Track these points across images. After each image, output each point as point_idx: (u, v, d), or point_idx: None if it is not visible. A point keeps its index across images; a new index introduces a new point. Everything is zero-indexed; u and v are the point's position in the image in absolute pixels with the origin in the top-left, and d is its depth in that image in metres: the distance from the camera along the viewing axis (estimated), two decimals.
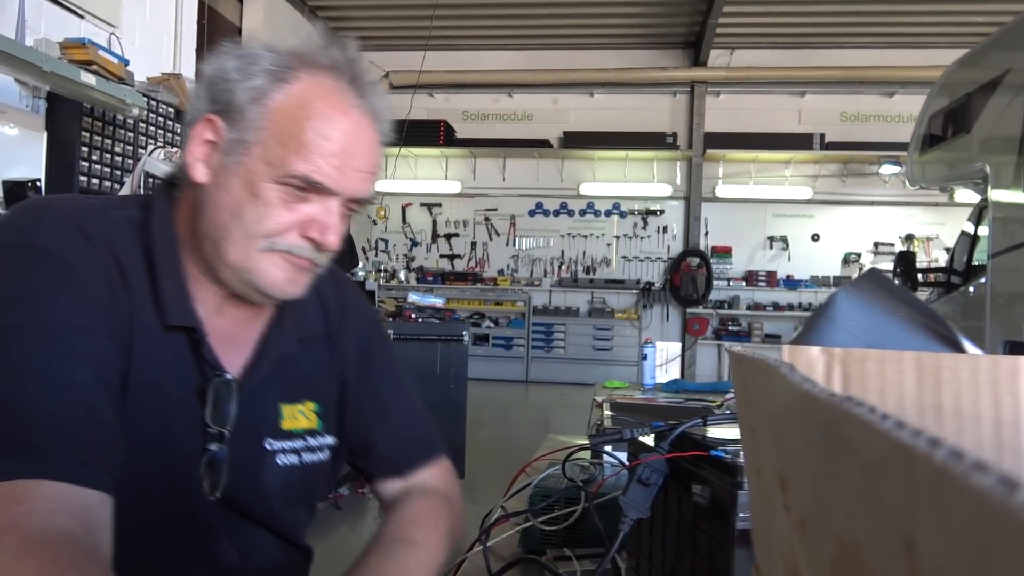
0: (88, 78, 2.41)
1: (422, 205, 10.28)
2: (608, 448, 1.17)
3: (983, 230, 5.86)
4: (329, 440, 0.99)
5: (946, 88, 6.09)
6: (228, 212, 0.84)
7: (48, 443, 0.70)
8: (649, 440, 0.89)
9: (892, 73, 8.90)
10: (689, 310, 9.78)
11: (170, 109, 3.26)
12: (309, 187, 0.83)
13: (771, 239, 9.89)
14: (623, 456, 1.16)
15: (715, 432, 0.87)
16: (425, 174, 10.12)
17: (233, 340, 0.91)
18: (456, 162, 10.13)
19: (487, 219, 10.23)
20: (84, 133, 2.73)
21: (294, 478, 0.94)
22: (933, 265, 8.04)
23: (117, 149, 3.00)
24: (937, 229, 9.61)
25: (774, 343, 9.77)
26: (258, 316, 0.95)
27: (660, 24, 8.78)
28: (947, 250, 9.33)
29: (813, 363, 0.42)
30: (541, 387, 9.55)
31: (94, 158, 2.84)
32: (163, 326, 0.85)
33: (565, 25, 8.89)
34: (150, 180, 2.66)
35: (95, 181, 2.89)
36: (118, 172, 2.98)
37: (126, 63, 2.71)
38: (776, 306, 9.77)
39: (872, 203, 9.67)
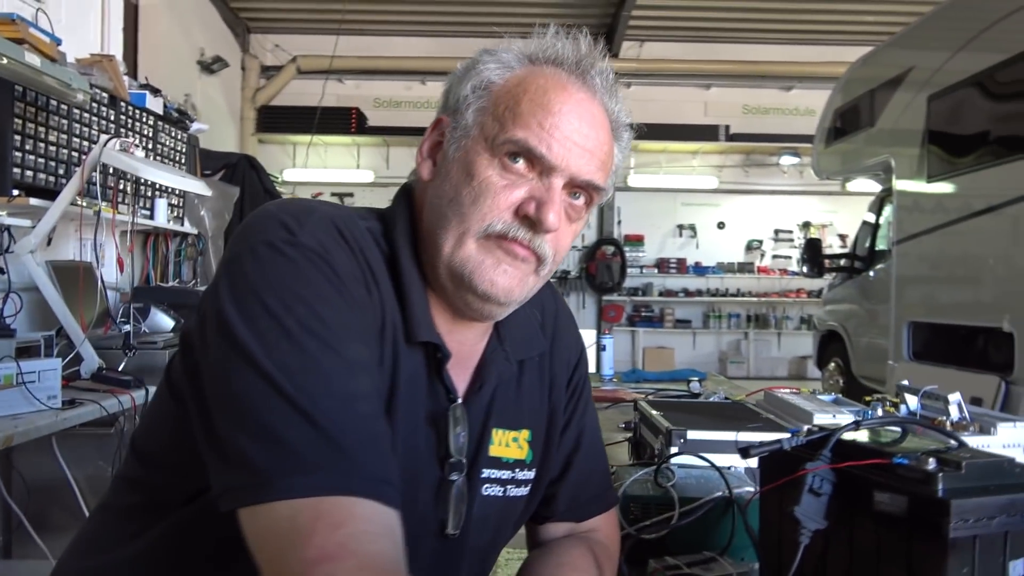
0: (32, 58, 2.16)
1: (333, 195, 9.95)
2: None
3: (884, 219, 6.28)
4: (532, 474, 0.91)
5: (851, 84, 6.43)
6: (447, 199, 0.80)
7: (358, 458, 0.64)
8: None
9: (790, 68, 9.34)
10: (604, 298, 9.97)
11: (104, 95, 2.98)
12: (526, 157, 0.78)
13: (680, 227, 10.24)
14: (722, 459, 1.14)
15: (862, 436, 0.86)
16: (336, 163, 9.81)
17: (458, 362, 0.84)
18: (368, 150, 9.88)
19: None
20: (16, 120, 2.45)
21: (493, 511, 0.87)
22: (829, 251, 8.52)
23: (51, 138, 2.70)
24: (831, 216, 10.21)
25: (685, 328, 10.15)
26: (481, 337, 0.88)
27: (574, 14, 8.84)
28: (841, 236, 9.97)
29: None
30: None
31: (27, 147, 2.55)
32: (406, 341, 0.78)
33: (479, 12, 8.81)
34: (107, 172, 2.42)
35: (29, 173, 2.60)
36: (53, 163, 2.70)
37: (58, 42, 2.44)
38: (686, 292, 10.12)
39: (772, 192, 10.15)
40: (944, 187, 4.97)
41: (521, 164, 0.78)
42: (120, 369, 2.53)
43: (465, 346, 0.86)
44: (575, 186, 0.81)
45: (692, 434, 1.26)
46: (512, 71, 0.82)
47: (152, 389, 2.45)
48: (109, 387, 2.40)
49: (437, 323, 0.82)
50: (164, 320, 2.99)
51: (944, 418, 1.27)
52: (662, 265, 10.12)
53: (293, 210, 0.75)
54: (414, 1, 8.56)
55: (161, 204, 3.60)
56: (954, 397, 1.26)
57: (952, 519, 0.69)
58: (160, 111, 3.68)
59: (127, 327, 2.65)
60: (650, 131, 9.67)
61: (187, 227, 4.00)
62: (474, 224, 0.78)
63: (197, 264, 4.14)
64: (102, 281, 2.64)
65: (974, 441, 1.15)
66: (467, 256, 0.78)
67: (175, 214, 3.90)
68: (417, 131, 9.56)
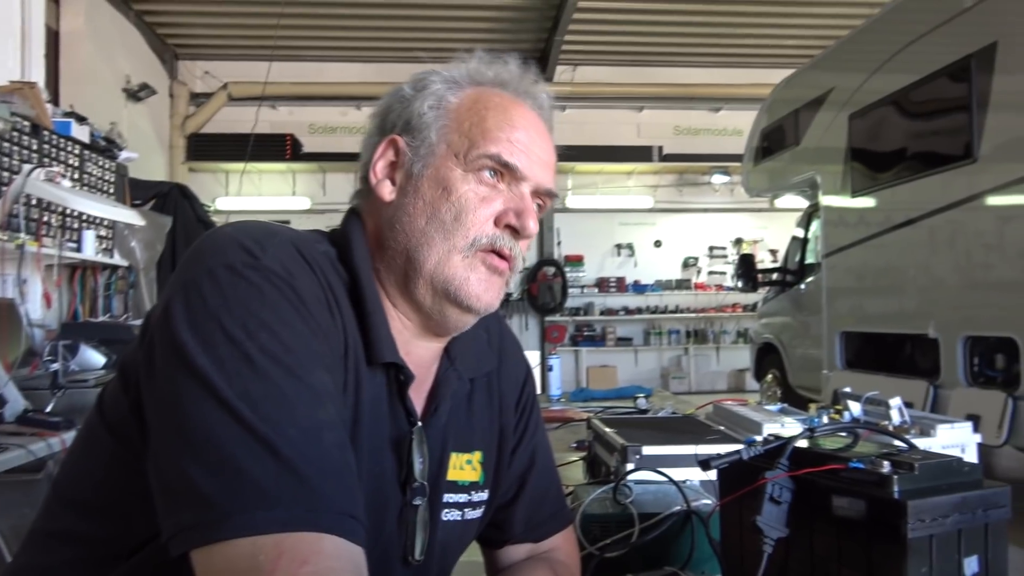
0: None
1: None
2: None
3: (812, 233, 6.51)
4: (485, 496, 0.90)
5: (775, 105, 6.68)
6: (424, 216, 0.80)
7: (323, 491, 0.61)
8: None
9: (718, 90, 9.66)
10: (547, 319, 10.03)
11: (25, 123, 2.86)
12: (500, 170, 0.82)
13: (619, 246, 10.42)
14: (677, 473, 1.15)
15: (815, 443, 0.88)
16: (271, 190, 9.65)
17: (415, 384, 0.82)
18: (304, 177, 9.75)
19: None
20: None
21: (453, 536, 0.85)
22: (761, 266, 8.78)
23: None
24: (762, 232, 10.54)
25: (627, 345, 10.28)
26: (435, 359, 0.87)
27: (507, 39, 8.96)
28: (772, 251, 10.29)
29: None
30: None
31: None
32: (368, 363, 0.76)
33: (414, 39, 8.83)
34: (30, 203, 2.31)
35: None
36: None
37: None
38: (627, 310, 10.27)
39: (705, 210, 10.43)
40: (867, 201, 5.19)
41: (494, 177, 0.82)
42: (48, 410, 2.41)
43: (421, 368, 0.85)
44: (537, 195, 0.85)
45: (647, 449, 1.26)
46: (463, 89, 0.84)
47: None
48: (36, 429, 2.28)
49: (397, 345, 0.81)
50: (95, 357, 2.87)
51: (886, 422, 1.31)
52: (602, 284, 10.25)
53: (253, 233, 0.73)
54: (348, 27, 8.54)
55: (89, 236, 3.46)
56: (895, 401, 1.31)
57: (909, 520, 0.71)
58: (87, 139, 3.56)
59: (55, 366, 2.53)
60: (586, 153, 9.88)
61: (117, 259, 3.86)
62: (460, 240, 0.80)
63: (128, 297, 3.99)
64: (28, 318, 2.52)
65: (916, 444, 1.19)
66: (453, 273, 0.80)
67: (104, 246, 3.76)
68: (354, 156, 9.38)
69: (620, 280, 10.29)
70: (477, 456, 0.89)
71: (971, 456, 1.29)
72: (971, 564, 0.74)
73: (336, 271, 0.78)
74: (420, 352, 0.85)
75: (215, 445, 0.61)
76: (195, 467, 0.60)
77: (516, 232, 0.82)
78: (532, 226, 0.82)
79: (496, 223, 0.81)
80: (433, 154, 0.81)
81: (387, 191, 0.83)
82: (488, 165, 0.81)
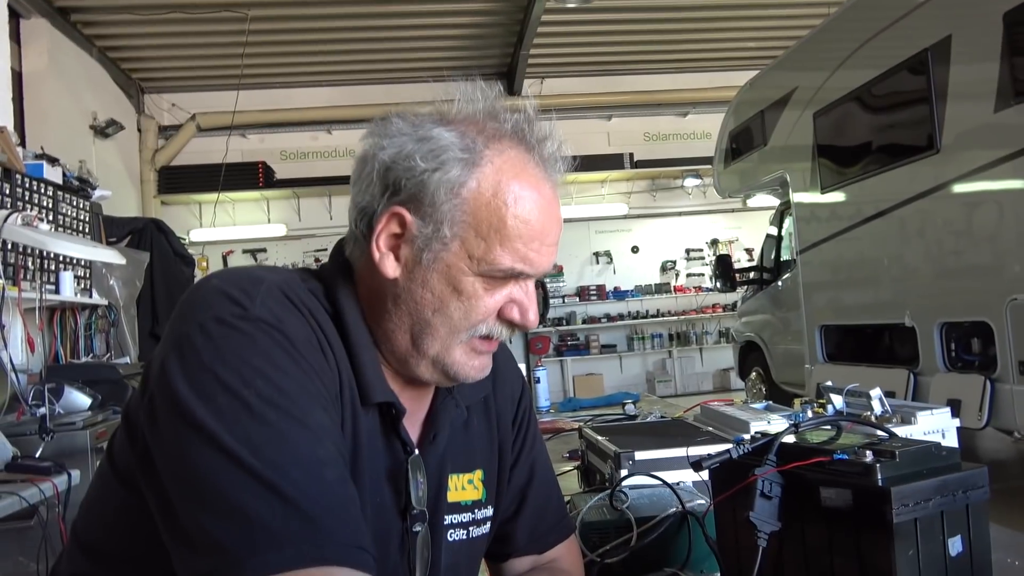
0: None
1: (245, 252, 9.73)
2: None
3: (786, 230, 6.61)
4: (490, 512, 0.92)
5: (741, 106, 6.79)
6: (431, 309, 0.79)
7: (330, 526, 0.63)
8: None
9: (684, 95, 9.79)
10: (530, 331, 10.04)
11: None
12: (512, 276, 0.80)
13: (596, 254, 10.48)
14: (670, 476, 1.18)
15: (800, 438, 0.92)
16: (245, 219, 9.60)
17: (409, 414, 0.85)
18: (279, 204, 9.72)
19: (317, 260, 9.87)
20: None
21: (462, 556, 0.88)
22: (738, 265, 8.88)
23: None
24: (737, 232, 10.66)
25: (611, 352, 10.33)
26: (430, 389, 0.89)
27: (474, 56, 9.03)
28: (747, 250, 10.41)
29: None
30: None
31: None
32: (361, 402, 0.78)
33: (381, 60, 8.88)
34: (7, 248, 2.29)
35: None
36: None
37: None
38: (609, 317, 10.33)
39: (680, 213, 10.54)
40: (837, 196, 5.29)
41: (505, 277, 0.81)
42: (38, 455, 2.39)
43: (415, 399, 0.88)
44: None
45: (640, 454, 1.29)
46: (480, 166, 0.78)
47: (76, 473, 2.32)
48: (27, 476, 2.26)
49: (388, 379, 0.83)
50: (80, 398, 2.85)
51: (868, 413, 1.35)
52: (583, 293, 10.30)
53: (239, 282, 0.74)
54: (314, 52, 8.56)
55: (67, 277, 3.44)
56: (875, 392, 1.35)
57: (894, 505, 0.74)
58: (59, 180, 3.55)
59: (42, 410, 2.51)
60: None
61: (96, 298, 3.84)
62: (463, 332, 0.81)
63: (110, 336, 3.96)
64: (11, 364, 2.50)
65: (898, 431, 1.23)
66: (454, 359, 0.82)
67: (82, 286, 3.74)
68: (327, 181, 9.48)
69: (600, 288, 10.35)
70: (478, 475, 0.92)
71: (951, 441, 1.33)
72: (955, 544, 0.78)
73: (324, 307, 0.80)
74: (411, 391, 0.87)
75: (222, 493, 0.63)
76: (205, 516, 0.63)
77: (516, 325, 0.83)
78: (533, 319, 0.83)
79: (499, 315, 0.82)
80: (446, 248, 0.78)
81: (391, 268, 0.80)
82: (502, 276, 0.80)
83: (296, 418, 0.67)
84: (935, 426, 1.34)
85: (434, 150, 0.78)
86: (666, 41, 9.01)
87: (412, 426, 0.87)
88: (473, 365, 0.83)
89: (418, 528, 0.83)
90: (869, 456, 0.79)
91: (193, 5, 7.17)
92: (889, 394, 1.42)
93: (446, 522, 0.87)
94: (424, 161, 0.78)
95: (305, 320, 0.75)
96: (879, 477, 0.76)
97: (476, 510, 0.91)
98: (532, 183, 0.80)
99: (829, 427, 0.97)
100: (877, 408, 1.36)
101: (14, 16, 6.01)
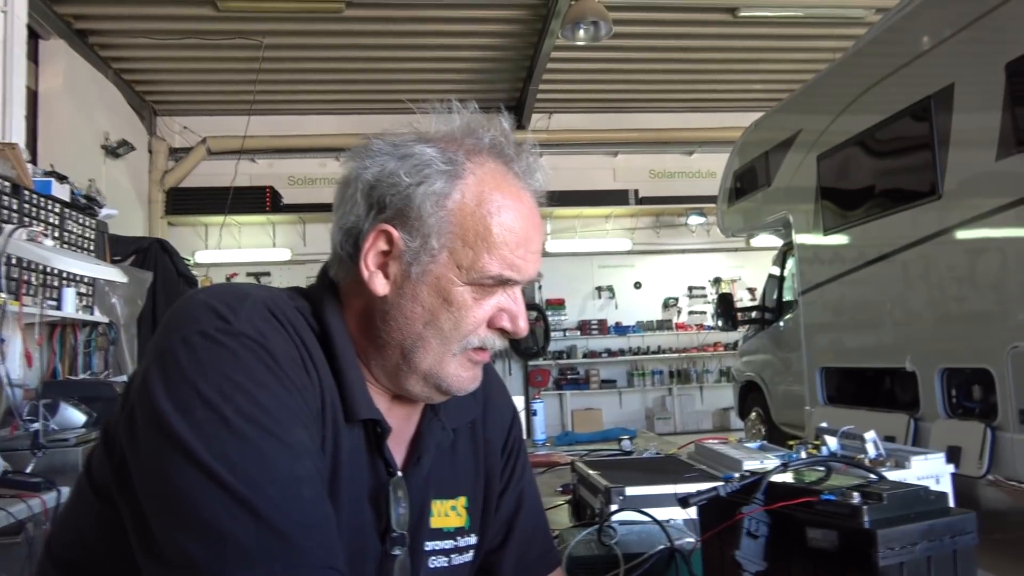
0: None
1: (249, 275, 9.75)
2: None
3: (788, 271, 6.62)
4: (473, 540, 0.91)
5: (746, 147, 6.85)
6: (422, 322, 0.80)
7: (304, 546, 0.63)
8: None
9: (691, 135, 9.89)
10: (530, 363, 10.02)
11: (6, 184, 2.87)
12: (500, 283, 0.82)
13: (599, 289, 10.50)
14: (660, 513, 1.17)
15: (790, 478, 0.91)
16: (251, 242, 9.66)
17: (395, 435, 0.85)
18: (284, 228, 9.78)
19: None
20: None
21: None
22: (740, 304, 8.88)
23: None
24: (739, 271, 10.68)
25: (611, 388, 10.28)
26: (416, 410, 0.89)
27: (484, 90, 9.15)
28: (750, 290, 10.42)
29: None
30: None
31: None
32: (345, 420, 0.78)
33: (391, 91, 8.99)
34: (11, 263, 2.30)
35: None
36: None
37: None
38: (609, 352, 10.30)
39: (683, 251, 10.57)
40: (840, 239, 5.31)
41: (493, 285, 0.83)
42: (29, 471, 2.38)
43: (402, 419, 0.88)
44: None
45: (631, 490, 1.28)
46: (462, 178, 0.80)
47: (65, 490, 2.31)
48: (16, 491, 2.24)
49: (374, 398, 0.83)
50: (75, 415, 2.84)
51: (863, 455, 1.34)
52: (584, 327, 10.29)
53: (225, 297, 0.75)
54: (325, 81, 8.68)
55: (69, 293, 3.45)
56: (870, 435, 1.34)
57: (880, 548, 0.73)
58: (67, 198, 3.57)
59: (35, 425, 2.50)
60: (564, 198, 9.95)
61: (97, 316, 3.84)
62: (455, 344, 0.82)
63: (109, 354, 3.96)
64: (8, 378, 2.50)
65: (891, 475, 1.22)
66: (447, 372, 0.83)
67: (84, 303, 3.74)
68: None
69: (602, 322, 10.35)
70: (462, 501, 0.91)
71: (945, 486, 1.32)
72: None
73: (310, 325, 0.80)
74: (401, 405, 0.87)
75: (196, 508, 0.63)
76: (179, 532, 0.63)
77: (508, 334, 0.84)
78: (523, 327, 0.84)
79: (489, 324, 0.83)
80: (434, 260, 0.80)
81: (380, 285, 0.81)
82: (491, 283, 0.81)
83: (275, 435, 0.67)
84: (929, 471, 1.32)
85: (417, 165, 0.80)
86: (674, 81, 9.12)
87: (397, 448, 0.87)
88: (466, 377, 0.84)
89: (397, 552, 0.82)
90: (856, 498, 0.78)
91: (209, 31, 7.30)
92: (889, 439, 1.42)
93: (427, 548, 0.86)
94: (408, 176, 0.80)
95: (289, 337, 0.75)
96: (866, 519, 0.75)
97: (459, 537, 0.90)
98: (513, 193, 0.83)
99: (820, 468, 0.96)
100: (871, 451, 1.35)
101: (33, 36, 6.13)
